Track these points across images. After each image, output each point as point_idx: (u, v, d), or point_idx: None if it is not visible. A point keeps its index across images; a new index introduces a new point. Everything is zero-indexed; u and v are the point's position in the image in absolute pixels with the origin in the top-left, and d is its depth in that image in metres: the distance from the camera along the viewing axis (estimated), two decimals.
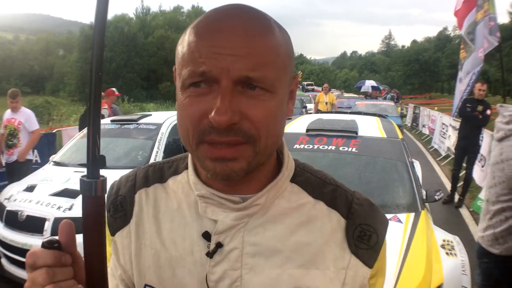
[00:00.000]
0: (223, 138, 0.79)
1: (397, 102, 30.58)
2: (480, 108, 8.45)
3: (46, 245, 0.78)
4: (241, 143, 0.81)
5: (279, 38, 0.85)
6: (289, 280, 0.91)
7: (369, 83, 36.38)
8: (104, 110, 10.15)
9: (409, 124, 26.55)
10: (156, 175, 1.06)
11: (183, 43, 0.84)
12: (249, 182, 0.92)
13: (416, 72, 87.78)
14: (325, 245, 0.94)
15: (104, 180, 0.81)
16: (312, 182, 1.01)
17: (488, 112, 8.44)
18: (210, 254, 0.91)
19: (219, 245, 0.91)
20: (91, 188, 0.79)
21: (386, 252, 1.01)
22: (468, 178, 9.09)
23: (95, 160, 0.79)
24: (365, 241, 0.95)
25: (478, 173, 9.58)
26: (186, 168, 1.03)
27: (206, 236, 0.93)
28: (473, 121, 8.58)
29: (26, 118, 7.43)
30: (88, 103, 0.78)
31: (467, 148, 8.88)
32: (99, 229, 0.81)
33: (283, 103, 0.88)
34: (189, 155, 1.02)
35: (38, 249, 0.77)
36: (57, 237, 0.81)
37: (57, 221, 4.86)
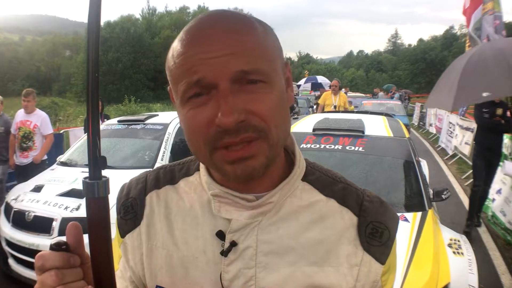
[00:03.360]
0: (236, 138, 0.80)
1: (408, 102, 30.44)
2: (499, 111, 7.04)
3: (54, 247, 0.78)
4: (255, 139, 0.82)
5: (261, 32, 0.86)
6: (303, 277, 0.92)
7: (321, 80, 33.13)
8: None
9: (416, 123, 26.50)
10: (167, 177, 1.07)
11: (172, 60, 0.85)
12: (262, 181, 0.94)
13: (423, 71, 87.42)
14: (338, 242, 0.96)
15: (107, 181, 0.81)
16: (323, 180, 1.02)
17: (509, 114, 6.93)
18: (224, 253, 0.93)
19: (233, 244, 0.93)
20: (94, 189, 0.79)
21: (396, 248, 1.02)
22: (487, 193, 7.58)
23: (96, 161, 0.79)
24: (377, 238, 0.97)
25: None
26: (198, 169, 1.04)
27: (220, 235, 0.94)
28: (495, 129, 7.15)
29: (41, 122, 7.42)
30: (87, 105, 0.78)
31: (491, 160, 7.32)
32: (104, 230, 0.81)
33: (283, 92, 0.89)
34: None
35: (47, 252, 0.78)
36: (64, 239, 0.81)
37: (64, 221, 4.89)
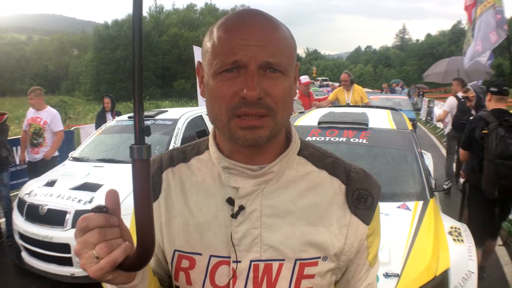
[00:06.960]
0: (252, 110, 1.00)
1: (422, 97, 30.18)
2: None
3: (96, 210, 0.91)
4: (265, 115, 1.02)
5: (286, 33, 1.08)
6: (301, 235, 1.12)
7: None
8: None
9: (423, 118, 26.42)
10: (180, 156, 1.26)
11: (213, 39, 1.05)
12: (265, 153, 1.13)
13: (431, 65, 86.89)
14: (329, 206, 1.15)
15: (149, 146, 0.96)
16: (315, 155, 1.23)
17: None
18: (234, 215, 1.12)
19: (241, 208, 1.12)
20: (140, 152, 0.93)
21: (379, 214, 1.22)
22: None
23: (141, 130, 0.95)
24: (362, 202, 1.17)
25: None
26: (207, 148, 1.23)
27: (230, 201, 1.13)
28: None
29: (51, 119, 7.54)
30: (132, 85, 0.92)
31: None
32: (147, 188, 0.94)
33: (292, 84, 1.10)
34: (210, 137, 1.22)
35: (89, 214, 0.91)
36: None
37: (77, 213, 4.99)
